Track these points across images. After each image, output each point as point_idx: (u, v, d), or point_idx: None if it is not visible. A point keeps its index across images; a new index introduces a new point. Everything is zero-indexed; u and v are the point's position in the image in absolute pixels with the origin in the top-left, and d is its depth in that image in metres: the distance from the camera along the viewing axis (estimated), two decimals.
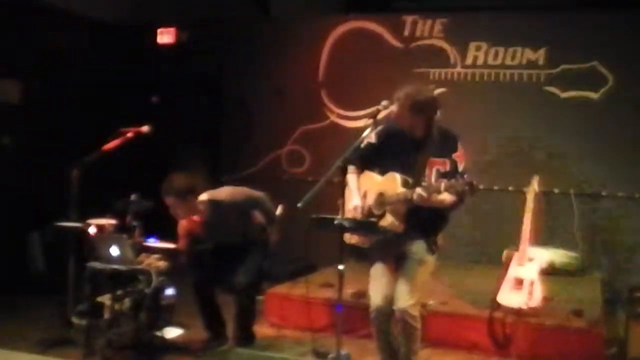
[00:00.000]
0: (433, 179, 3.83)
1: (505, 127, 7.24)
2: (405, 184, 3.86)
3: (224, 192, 5.05)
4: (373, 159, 4.04)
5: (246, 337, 5.01)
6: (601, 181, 6.92)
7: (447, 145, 3.93)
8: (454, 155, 3.89)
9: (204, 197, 4.92)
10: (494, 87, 7.30)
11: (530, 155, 7.07)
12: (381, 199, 3.96)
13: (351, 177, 4.10)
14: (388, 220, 3.90)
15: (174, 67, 8.35)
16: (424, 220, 3.90)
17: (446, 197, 3.76)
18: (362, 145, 4.07)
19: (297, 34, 8.14)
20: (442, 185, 3.62)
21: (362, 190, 4.07)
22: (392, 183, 3.91)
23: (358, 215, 3.98)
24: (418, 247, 3.99)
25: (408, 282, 3.97)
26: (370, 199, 4.02)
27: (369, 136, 4.06)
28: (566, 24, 7.06)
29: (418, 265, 3.99)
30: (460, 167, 3.86)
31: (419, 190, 3.70)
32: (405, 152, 3.97)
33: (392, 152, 4.00)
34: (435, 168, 3.86)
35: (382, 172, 4.03)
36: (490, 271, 5.62)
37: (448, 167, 3.84)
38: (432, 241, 4.00)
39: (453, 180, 3.60)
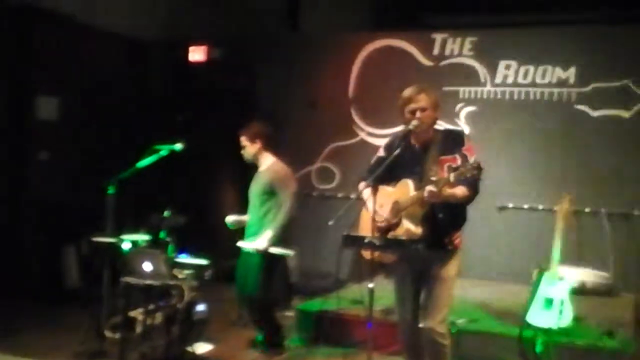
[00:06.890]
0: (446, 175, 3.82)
1: (535, 146, 7.19)
2: (417, 187, 3.88)
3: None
4: (385, 172, 3.97)
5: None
6: (633, 200, 6.84)
7: (453, 141, 3.95)
8: (463, 149, 3.89)
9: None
10: (524, 105, 7.26)
11: (561, 174, 7.01)
12: (396, 207, 3.97)
13: (366, 191, 4.05)
14: (405, 227, 3.91)
15: (205, 83, 8.45)
16: (441, 221, 3.91)
17: (458, 190, 3.77)
18: (373, 161, 4.13)
19: (327, 51, 8.19)
20: (452, 175, 3.63)
21: (378, 203, 3.99)
22: (405, 189, 3.93)
23: (380, 222, 3.96)
24: (439, 264, 3.99)
25: (433, 301, 4.00)
26: (386, 210, 4.02)
27: (379, 151, 4.13)
28: (597, 41, 7.03)
29: (441, 283, 4.00)
30: (471, 160, 3.83)
31: (429, 186, 3.71)
32: (414, 160, 3.99)
33: (402, 162, 3.99)
34: (446, 165, 3.84)
35: (395, 184, 4.05)
36: (520, 290, 5.59)
37: (459, 162, 3.82)
38: (450, 240, 3.99)
39: (460, 167, 3.62)
